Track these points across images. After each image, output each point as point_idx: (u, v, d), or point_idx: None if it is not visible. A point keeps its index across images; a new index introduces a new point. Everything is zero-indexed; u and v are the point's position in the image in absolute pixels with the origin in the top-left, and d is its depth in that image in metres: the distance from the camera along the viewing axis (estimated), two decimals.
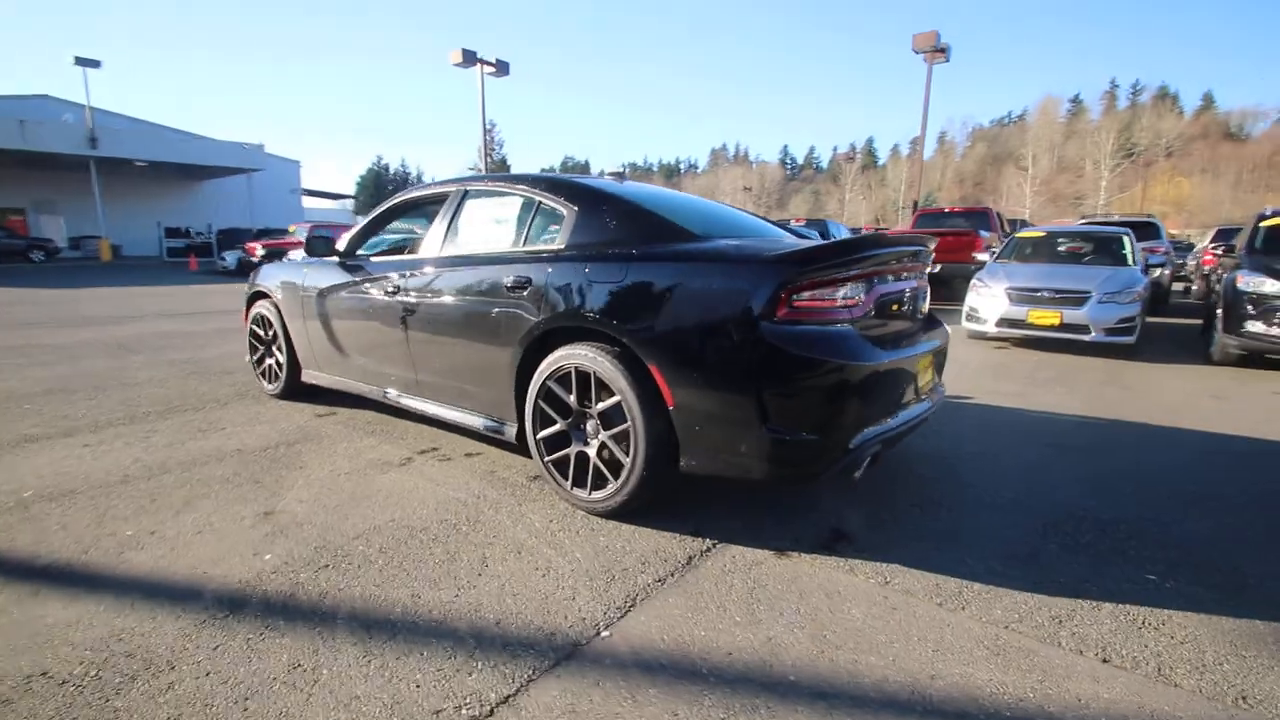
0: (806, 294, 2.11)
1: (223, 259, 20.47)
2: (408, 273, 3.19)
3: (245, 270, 19.49)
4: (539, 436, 2.66)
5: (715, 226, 2.62)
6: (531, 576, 2.10)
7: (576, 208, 2.65)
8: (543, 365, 2.60)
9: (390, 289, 3.25)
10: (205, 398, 4.41)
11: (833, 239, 3.39)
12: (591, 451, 2.51)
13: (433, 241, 3.18)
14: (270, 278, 4.31)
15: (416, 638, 1.77)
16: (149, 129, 26.00)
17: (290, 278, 4.07)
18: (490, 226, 3.04)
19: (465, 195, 3.19)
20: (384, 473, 3.01)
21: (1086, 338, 6.50)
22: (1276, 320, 5.61)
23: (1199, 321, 9.35)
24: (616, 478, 2.43)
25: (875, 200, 79.77)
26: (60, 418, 3.88)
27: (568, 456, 2.60)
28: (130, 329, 7.86)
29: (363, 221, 3.83)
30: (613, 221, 2.57)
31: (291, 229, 20.92)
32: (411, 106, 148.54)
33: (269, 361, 4.40)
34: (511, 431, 2.84)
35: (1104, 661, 1.76)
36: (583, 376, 2.49)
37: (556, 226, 2.75)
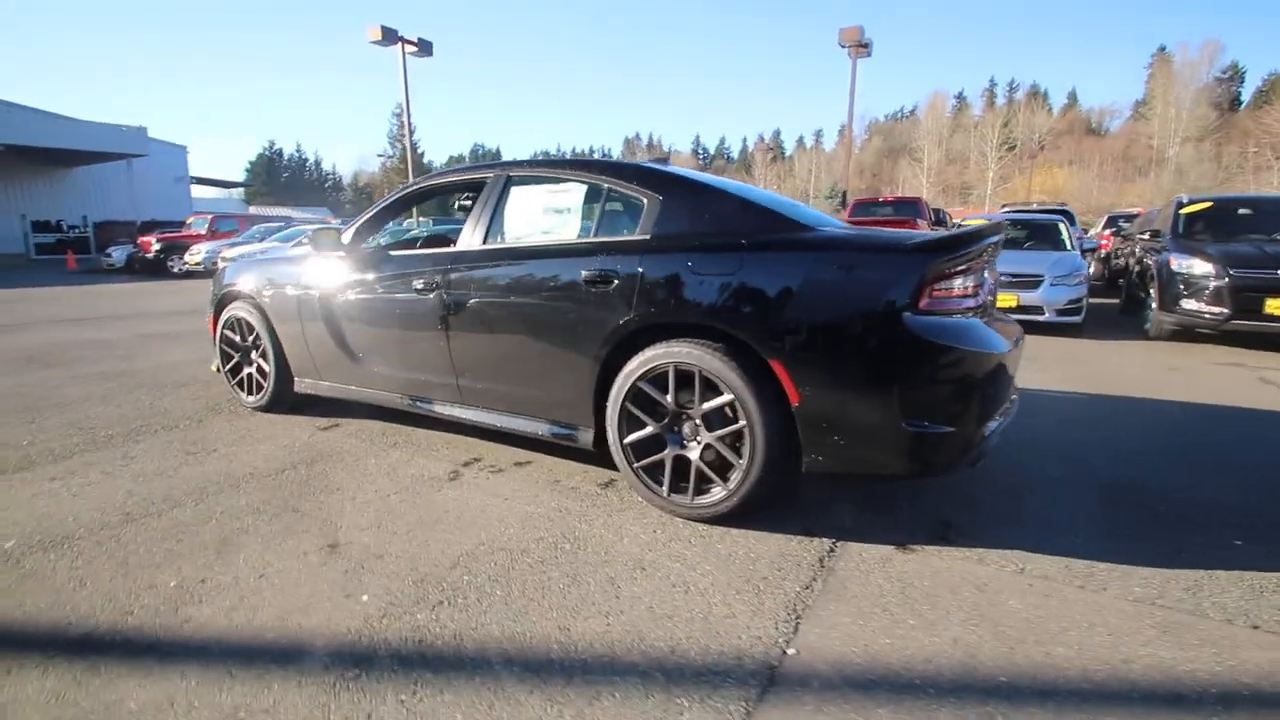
0: (943, 284, 2.05)
1: (109, 255, 18.34)
2: (448, 267, 2.89)
3: (137, 268, 17.57)
4: (626, 441, 2.48)
5: (808, 216, 2.52)
6: (673, 595, 1.94)
7: (660, 196, 2.47)
8: (631, 365, 2.42)
9: (423, 285, 2.94)
10: (171, 415, 3.86)
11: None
12: (693, 455, 2.36)
13: (475, 232, 2.90)
14: (250, 276, 3.81)
15: (595, 676, 1.57)
16: (3, 109, 22.70)
17: (281, 275, 3.62)
18: (546, 216, 2.80)
19: (509, 181, 2.92)
20: (438, 490, 2.72)
21: (1041, 318, 6.95)
22: (1206, 298, 6.21)
23: (1114, 301, 10.29)
24: (725, 481, 2.30)
25: (786, 189, 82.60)
26: (1, 446, 3.27)
27: (661, 461, 2.43)
28: (27, 339, 6.84)
29: (370, 211, 3.45)
30: (706, 212, 2.41)
31: (189, 220, 19.01)
32: (305, 89, 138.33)
33: (248, 370, 3.91)
34: (587, 437, 2.64)
35: (1254, 628, 1.82)
36: (683, 375, 2.33)
37: (632, 216, 2.56)
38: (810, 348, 2.10)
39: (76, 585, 2.00)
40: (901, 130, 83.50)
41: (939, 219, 15.28)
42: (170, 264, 16.67)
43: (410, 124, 19.90)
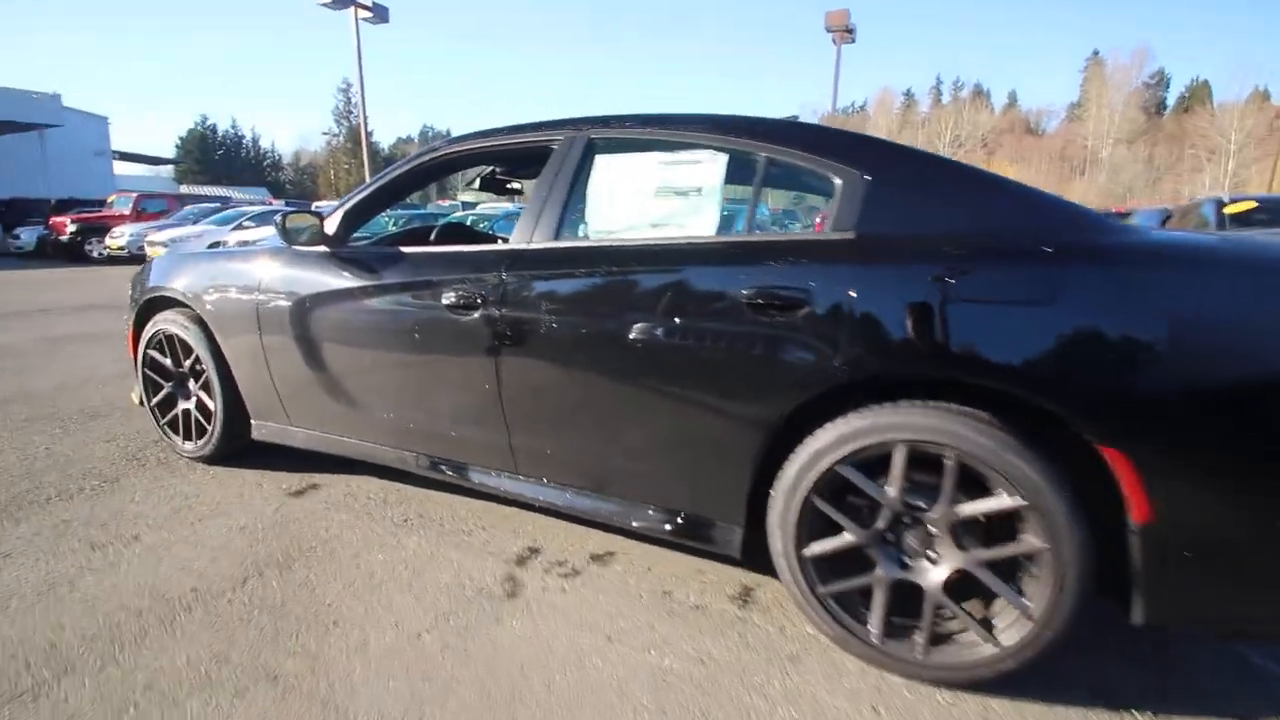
0: None
1: (16, 237, 16.22)
2: (500, 274, 1.92)
3: (49, 252, 15.54)
4: (808, 554, 1.60)
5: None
6: None
7: (868, 175, 1.57)
8: (824, 438, 1.53)
9: (460, 299, 1.97)
10: (75, 467, 2.76)
11: None
12: (930, 582, 1.50)
13: (543, 221, 1.94)
14: (187, 275, 2.73)
15: None
16: None
17: (233, 276, 2.56)
18: (660, 200, 1.86)
19: (592, 148, 1.96)
20: (495, 620, 1.77)
21: None
22: None
23: None
24: (991, 630, 1.45)
25: None
26: None
27: (867, 588, 1.56)
28: None
29: (363, 191, 2.43)
30: (955, 200, 1.53)
31: (111, 199, 16.98)
32: (244, 59, 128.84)
33: (184, 406, 2.84)
34: (731, 539, 1.74)
35: None
36: (922, 459, 1.46)
37: (812, 202, 1.67)
38: (1186, 431, 1.26)
39: None
40: (853, 125, 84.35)
41: None
42: (88, 248, 14.75)
43: (364, 96, 18.28)
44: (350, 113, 63.31)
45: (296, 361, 2.41)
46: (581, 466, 1.95)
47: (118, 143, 31.24)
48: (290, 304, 2.38)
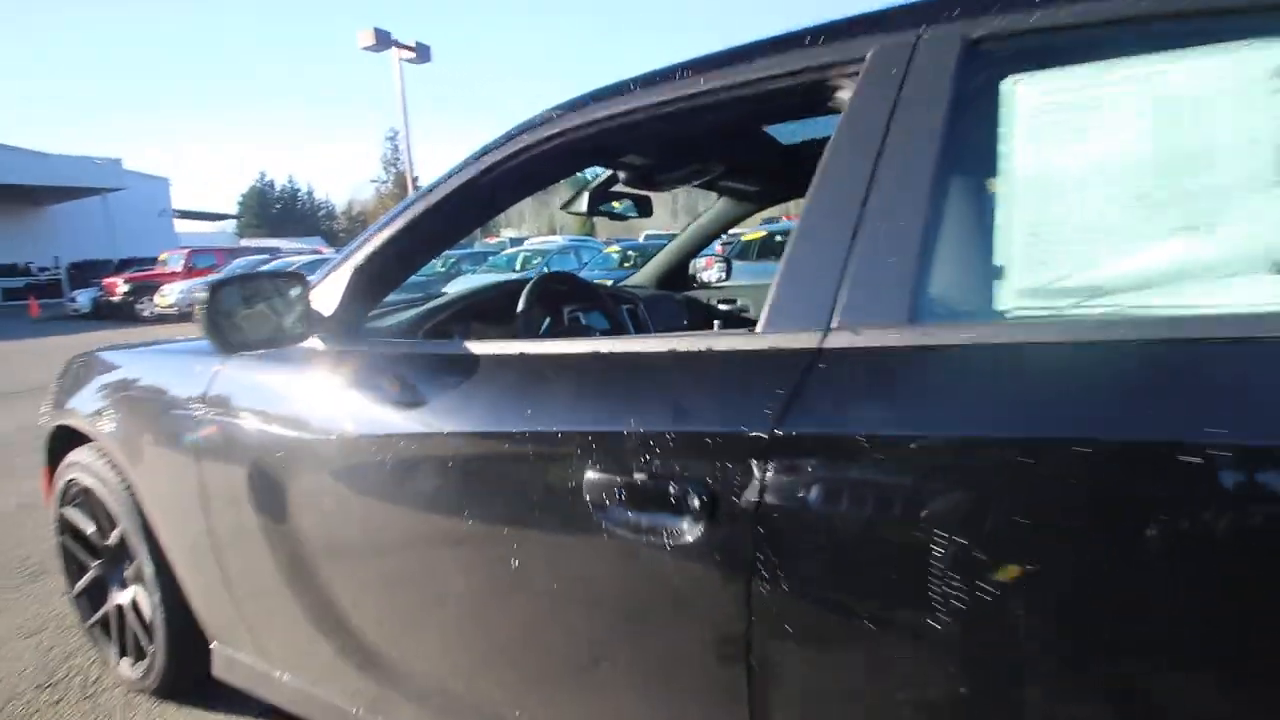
0: None
1: (73, 299, 16.21)
2: (766, 424, 0.68)
3: (102, 312, 15.36)
4: None
5: None
6: None
7: None
8: None
9: (641, 487, 0.74)
10: None
11: None
12: None
13: (863, 271, 0.69)
14: (95, 387, 1.61)
15: None
16: None
17: (158, 390, 1.42)
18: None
19: (978, 64, 0.71)
20: None
21: None
22: None
23: None
24: None
25: None
26: None
27: None
28: None
29: (388, 225, 1.24)
30: None
31: (163, 257, 16.88)
32: (296, 118, 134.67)
33: (118, 599, 1.70)
34: None
35: None
36: None
37: None
38: None
39: None
40: None
41: None
42: (139, 307, 14.49)
43: (408, 134, 17.88)
44: (398, 159, 65.15)
45: (265, 560, 1.22)
46: None
47: (185, 202, 32.29)
48: (256, 448, 1.20)
